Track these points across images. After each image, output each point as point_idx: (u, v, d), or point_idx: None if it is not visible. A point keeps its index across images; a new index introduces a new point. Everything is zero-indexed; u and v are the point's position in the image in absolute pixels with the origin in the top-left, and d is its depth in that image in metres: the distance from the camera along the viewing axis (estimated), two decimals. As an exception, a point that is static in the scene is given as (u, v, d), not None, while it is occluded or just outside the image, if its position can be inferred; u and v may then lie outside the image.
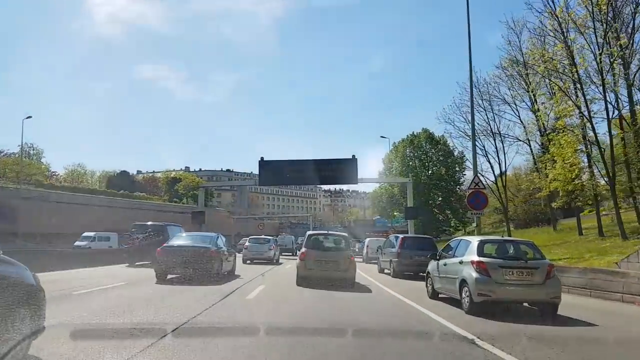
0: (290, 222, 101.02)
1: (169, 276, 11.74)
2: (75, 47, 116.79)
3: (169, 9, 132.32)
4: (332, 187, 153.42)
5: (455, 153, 48.50)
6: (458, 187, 49.42)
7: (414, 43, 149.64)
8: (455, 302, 8.52)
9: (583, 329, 6.92)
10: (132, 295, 9.04)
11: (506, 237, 9.04)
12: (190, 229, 24.01)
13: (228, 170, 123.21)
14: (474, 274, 7.81)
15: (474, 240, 8.54)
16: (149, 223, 19.05)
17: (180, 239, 13.31)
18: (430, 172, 48.96)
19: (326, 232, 14.57)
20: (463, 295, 8.10)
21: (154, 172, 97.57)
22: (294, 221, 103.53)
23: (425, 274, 10.54)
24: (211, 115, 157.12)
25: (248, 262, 21.37)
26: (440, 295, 9.57)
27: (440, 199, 49.50)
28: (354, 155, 32.25)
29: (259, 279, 13.33)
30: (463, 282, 8.11)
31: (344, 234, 13.70)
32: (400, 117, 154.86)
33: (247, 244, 23.24)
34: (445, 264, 9.21)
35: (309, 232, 13.35)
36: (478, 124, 25.17)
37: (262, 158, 32.67)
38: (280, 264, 22.52)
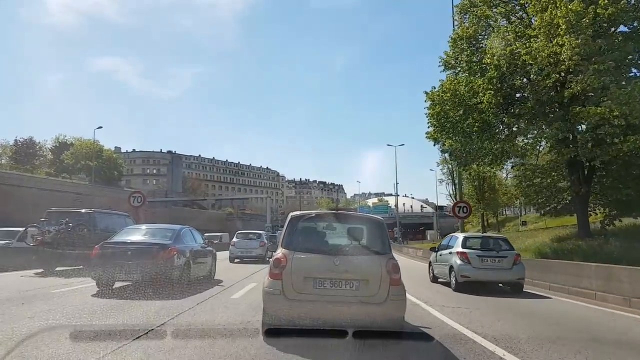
0: (243, 212, 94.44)
1: (118, 284, 10.16)
2: (26, 37, 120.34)
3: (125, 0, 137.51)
4: (298, 177, 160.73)
5: None
6: None
7: (378, 42, 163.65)
8: (447, 284, 12.92)
9: (536, 300, 11.24)
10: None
11: (485, 234, 13.39)
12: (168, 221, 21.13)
13: (170, 152, 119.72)
14: (458, 261, 12.16)
15: (460, 236, 12.95)
16: (83, 211, 15.65)
17: (130, 233, 11.42)
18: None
19: (334, 211, 7.45)
20: (451, 277, 12.38)
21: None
22: (248, 212, 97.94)
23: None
24: (167, 108, 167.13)
25: (237, 260, 22.10)
26: (439, 280, 14.01)
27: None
28: None
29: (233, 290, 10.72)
30: (451, 268, 12.49)
31: (373, 216, 6.99)
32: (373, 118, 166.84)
33: (234, 239, 23.85)
34: (440, 255, 13.74)
35: (293, 214, 6.68)
36: None
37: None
38: None
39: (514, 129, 20.53)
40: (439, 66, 22.61)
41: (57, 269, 14.08)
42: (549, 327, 7.67)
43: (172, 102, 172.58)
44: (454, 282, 12.28)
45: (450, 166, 51.67)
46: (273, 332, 5.48)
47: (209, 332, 6.03)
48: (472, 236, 13.55)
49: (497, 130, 20.91)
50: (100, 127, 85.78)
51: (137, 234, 11.17)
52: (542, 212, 25.98)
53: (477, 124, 20.54)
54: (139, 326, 6.10)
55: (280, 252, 5.96)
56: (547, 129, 18.36)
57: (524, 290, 12.18)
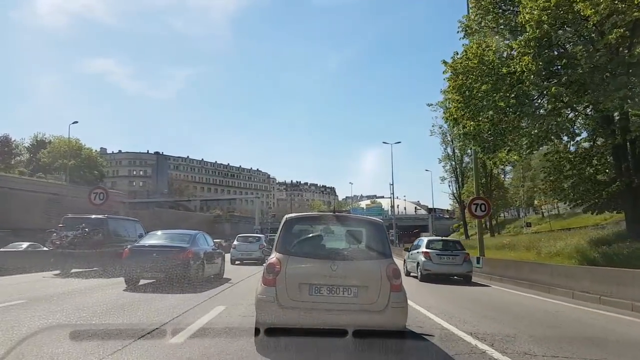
0: (231, 215, 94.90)
1: (142, 281, 11.98)
2: (16, 39, 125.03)
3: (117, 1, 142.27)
4: (289, 179, 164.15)
5: None
6: None
7: (370, 44, 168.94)
8: (416, 277, 16.97)
9: (478, 288, 15.29)
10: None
11: (443, 238, 17.80)
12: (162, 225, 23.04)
13: (157, 153, 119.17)
14: (423, 258, 16.34)
15: (426, 239, 17.31)
16: (93, 217, 16.94)
17: (153, 237, 13.45)
18: None
19: (331, 212, 6.55)
20: (417, 271, 16.53)
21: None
22: (237, 214, 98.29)
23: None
24: (158, 109, 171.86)
25: (237, 262, 23.79)
26: (411, 274, 18.05)
27: None
28: None
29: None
30: (417, 264, 16.65)
31: (372, 218, 6.88)
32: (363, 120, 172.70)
33: (235, 242, 25.37)
34: (411, 254, 17.94)
35: (288, 216, 6.56)
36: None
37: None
38: None
39: (560, 102, 16.39)
40: (457, 32, 19.88)
41: (73, 270, 15.58)
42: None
43: (163, 104, 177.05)
44: (419, 274, 16.39)
45: (453, 163, 50.55)
46: (272, 331, 5.37)
47: (210, 330, 6.37)
48: (434, 239, 17.95)
49: (537, 104, 17.47)
50: (76, 122, 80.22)
51: (159, 239, 13.19)
52: (582, 209, 21.81)
53: (512, 97, 16.79)
54: (147, 323, 6.56)
55: (274, 257, 5.70)
56: (606, 102, 14.26)
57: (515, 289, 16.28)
